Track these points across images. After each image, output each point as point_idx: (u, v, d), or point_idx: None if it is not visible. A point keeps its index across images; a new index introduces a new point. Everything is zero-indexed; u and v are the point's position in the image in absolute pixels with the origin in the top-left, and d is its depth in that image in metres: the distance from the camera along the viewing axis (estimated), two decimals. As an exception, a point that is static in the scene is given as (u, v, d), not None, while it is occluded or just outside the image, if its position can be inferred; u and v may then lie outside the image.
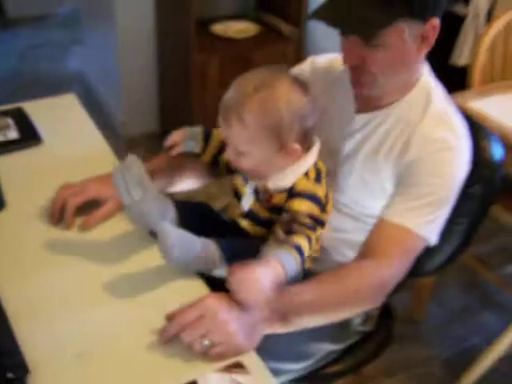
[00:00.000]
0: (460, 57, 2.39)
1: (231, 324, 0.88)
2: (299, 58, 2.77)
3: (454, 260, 1.35)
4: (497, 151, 1.25)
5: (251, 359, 0.88)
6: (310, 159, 1.05)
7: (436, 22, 1.03)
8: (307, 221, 1.00)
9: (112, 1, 2.64)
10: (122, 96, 2.90)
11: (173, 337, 0.89)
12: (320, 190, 1.04)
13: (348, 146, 1.17)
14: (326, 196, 1.06)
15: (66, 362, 0.87)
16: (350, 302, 1.03)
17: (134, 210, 1.01)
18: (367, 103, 1.15)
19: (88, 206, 1.14)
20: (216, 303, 0.90)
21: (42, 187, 1.21)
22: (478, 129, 1.26)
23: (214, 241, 1.00)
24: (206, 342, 0.86)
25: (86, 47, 3.45)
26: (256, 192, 1.08)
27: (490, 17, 2.42)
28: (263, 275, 0.89)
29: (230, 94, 1.00)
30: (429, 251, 1.20)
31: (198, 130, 1.19)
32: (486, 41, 1.96)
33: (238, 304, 0.91)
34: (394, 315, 1.41)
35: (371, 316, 1.30)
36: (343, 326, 1.24)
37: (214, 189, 1.28)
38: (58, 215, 1.13)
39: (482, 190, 1.24)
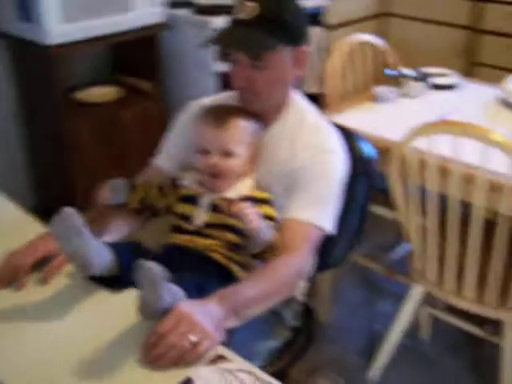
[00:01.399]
0: (310, 86, 2.73)
1: (205, 322, 1.01)
2: (161, 112, 2.91)
3: (353, 248, 1.58)
4: (367, 149, 1.53)
5: (225, 351, 1.02)
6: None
7: (306, 48, 1.28)
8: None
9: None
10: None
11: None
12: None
13: None
14: None
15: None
16: (281, 290, 1.22)
17: (76, 255, 1.07)
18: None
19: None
20: (188, 308, 1.02)
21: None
22: (349, 134, 1.52)
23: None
24: (193, 338, 0.97)
25: None
26: (213, 206, 1.26)
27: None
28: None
29: (220, 113, 1.28)
30: (332, 243, 1.42)
31: (121, 182, 1.31)
32: (331, 69, 2.31)
33: (204, 305, 1.05)
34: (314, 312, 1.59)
35: (298, 312, 1.47)
36: (278, 322, 1.42)
37: (141, 235, 1.40)
38: (7, 281, 1.19)
39: (363, 182, 1.50)
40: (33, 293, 1.18)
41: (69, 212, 1.07)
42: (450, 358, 2.12)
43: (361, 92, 2.36)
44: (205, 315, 1.02)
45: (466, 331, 2.04)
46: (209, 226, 1.26)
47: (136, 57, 2.95)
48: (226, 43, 1.25)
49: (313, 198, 1.29)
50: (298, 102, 1.38)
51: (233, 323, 1.09)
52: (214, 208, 1.26)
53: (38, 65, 2.56)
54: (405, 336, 2.05)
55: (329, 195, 1.31)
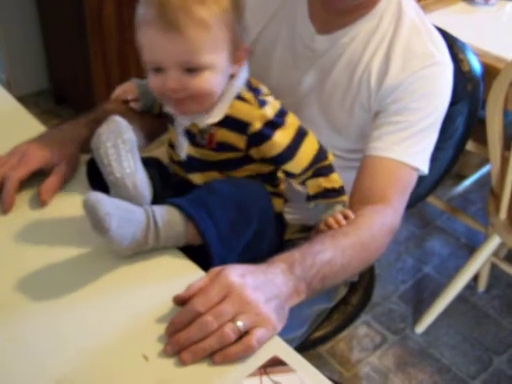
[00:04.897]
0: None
1: (261, 302, 0.70)
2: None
3: (438, 186, 1.25)
4: (476, 63, 1.14)
5: (283, 349, 0.69)
6: (243, 74, 0.88)
7: None
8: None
9: None
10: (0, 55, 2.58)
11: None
12: (270, 111, 0.87)
13: (309, 77, 1.02)
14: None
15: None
16: (366, 253, 0.90)
17: (123, 184, 0.79)
18: (329, 21, 1.00)
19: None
20: (239, 278, 0.71)
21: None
22: (452, 40, 1.13)
23: (169, 204, 0.80)
24: (240, 323, 0.67)
25: None
26: (189, 134, 0.89)
27: None
28: None
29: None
30: (417, 181, 1.08)
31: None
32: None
33: (264, 274, 0.74)
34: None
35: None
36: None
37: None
38: None
39: (466, 108, 1.13)
40: (25, 218, 0.87)
41: (122, 123, 0.80)
42: (505, 314, 1.86)
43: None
44: (263, 290, 0.71)
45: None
46: (198, 160, 0.91)
47: None
48: None
49: (410, 130, 0.95)
50: None
51: (299, 299, 0.78)
52: (194, 139, 0.89)
53: None
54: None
55: (431, 125, 0.97)
